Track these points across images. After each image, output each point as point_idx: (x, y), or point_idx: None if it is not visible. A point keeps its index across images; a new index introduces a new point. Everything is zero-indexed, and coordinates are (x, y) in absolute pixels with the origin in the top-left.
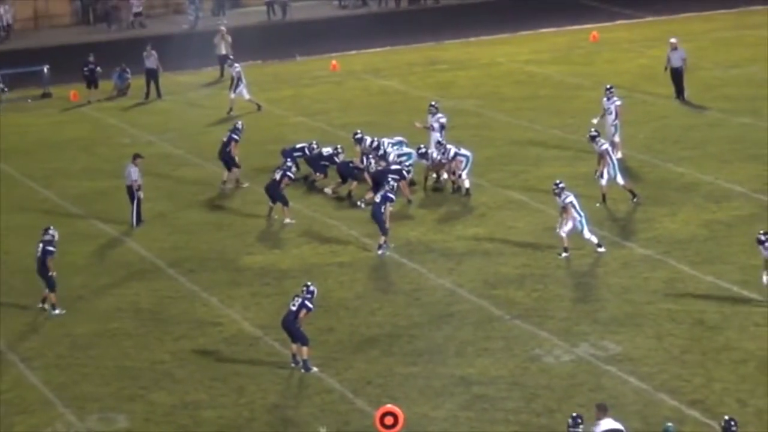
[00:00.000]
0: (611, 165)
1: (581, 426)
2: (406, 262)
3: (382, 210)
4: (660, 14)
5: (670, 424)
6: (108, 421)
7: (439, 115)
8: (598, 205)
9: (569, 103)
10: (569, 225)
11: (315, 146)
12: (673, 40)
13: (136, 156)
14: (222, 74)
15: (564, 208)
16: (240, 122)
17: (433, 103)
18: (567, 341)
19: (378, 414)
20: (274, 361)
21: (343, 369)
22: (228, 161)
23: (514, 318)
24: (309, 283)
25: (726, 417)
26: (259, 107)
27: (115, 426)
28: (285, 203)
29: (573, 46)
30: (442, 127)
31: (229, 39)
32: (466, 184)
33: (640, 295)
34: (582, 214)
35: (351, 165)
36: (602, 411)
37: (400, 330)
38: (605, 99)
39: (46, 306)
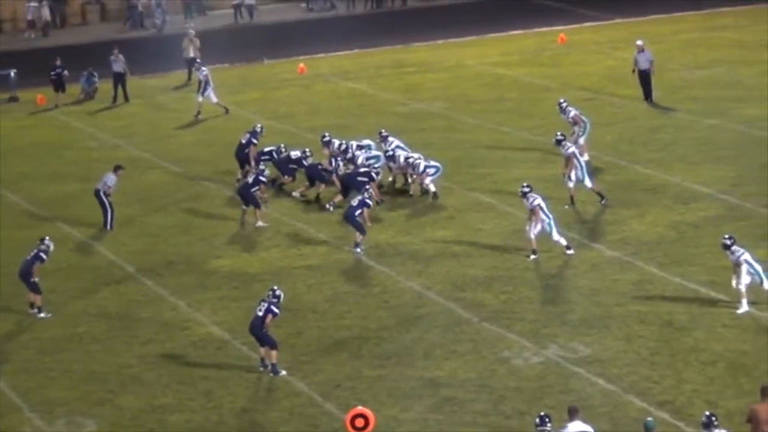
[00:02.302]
0: (579, 168)
1: (549, 425)
2: (375, 264)
3: (356, 214)
4: (627, 16)
5: (650, 419)
6: (76, 425)
7: (391, 139)
8: (566, 207)
9: (537, 106)
10: (538, 227)
11: (283, 149)
12: (639, 42)
13: (117, 167)
14: (190, 77)
15: (532, 211)
16: (260, 126)
17: (382, 131)
18: (536, 343)
19: (349, 416)
20: (242, 364)
21: (312, 372)
22: (245, 161)
23: (482, 320)
24: (275, 287)
25: (707, 412)
26: (226, 110)
27: (82, 430)
28: (257, 206)
29: (541, 48)
30: (402, 147)
31: (198, 42)
32: (432, 188)
33: (609, 296)
34: (550, 216)
35: (319, 168)
36: (572, 413)
37: (368, 333)
38: (561, 114)
39: (34, 310)
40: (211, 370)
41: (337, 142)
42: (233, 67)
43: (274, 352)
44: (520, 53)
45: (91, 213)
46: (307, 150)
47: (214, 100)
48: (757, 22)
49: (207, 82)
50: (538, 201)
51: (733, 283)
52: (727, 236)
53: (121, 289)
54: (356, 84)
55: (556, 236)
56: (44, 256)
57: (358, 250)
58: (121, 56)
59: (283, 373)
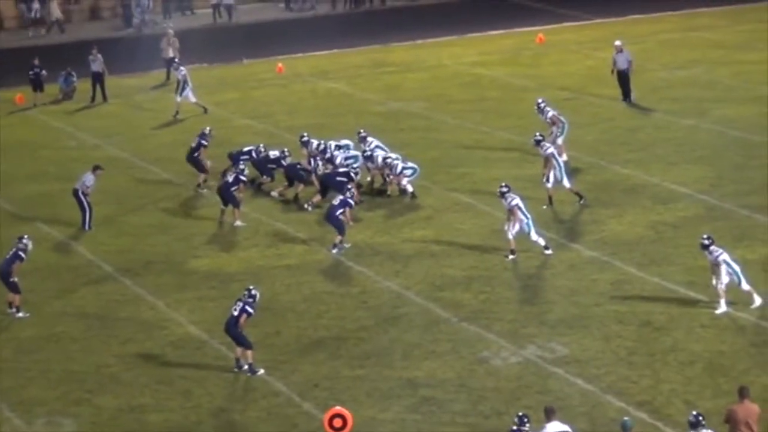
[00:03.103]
0: (557, 168)
1: (527, 425)
2: (353, 265)
3: (338, 213)
4: (606, 16)
5: (627, 419)
6: (54, 425)
7: (370, 140)
8: (544, 207)
9: (516, 106)
10: (516, 227)
11: (262, 149)
12: (618, 42)
13: (96, 167)
14: (168, 77)
15: (510, 211)
16: (208, 128)
17: (360, 132)
18: (514, 343)
19: (327, 416)
20: (220, 364)
21: (290, 372)
22: (198, 166)
23: (461, 320)
24: (251, 287)
25: (694, 412)
26: (205, 110)
27: (61, 430)
28: (236, 205)
29: (520, 48)
30: (381, 147)
31: (176, 42)
32: (409, 188)
33: (587, 297)
34: (529, 216)
35: (299, 167)
36: (550, 413)
37: (347, 333)
38: (540, 114)
39: (12, 310)
40: (189, 370)
41: (315, 142)
42: (212, 66)
43: (249, 352)
44: (499, 53)
45: (69, 213)
46: (286, 150)
47: (192, 99)
48: (735, 23)
49: (185, 82)
50: (516, 201)
51: (713, 283)
52: (705, 236)
53: (100, 289)
54: (335, 84)
55: (534, 236)
56: (23, 255)
57: (335, 251)
58: (99, 56)
59: (261, 372)
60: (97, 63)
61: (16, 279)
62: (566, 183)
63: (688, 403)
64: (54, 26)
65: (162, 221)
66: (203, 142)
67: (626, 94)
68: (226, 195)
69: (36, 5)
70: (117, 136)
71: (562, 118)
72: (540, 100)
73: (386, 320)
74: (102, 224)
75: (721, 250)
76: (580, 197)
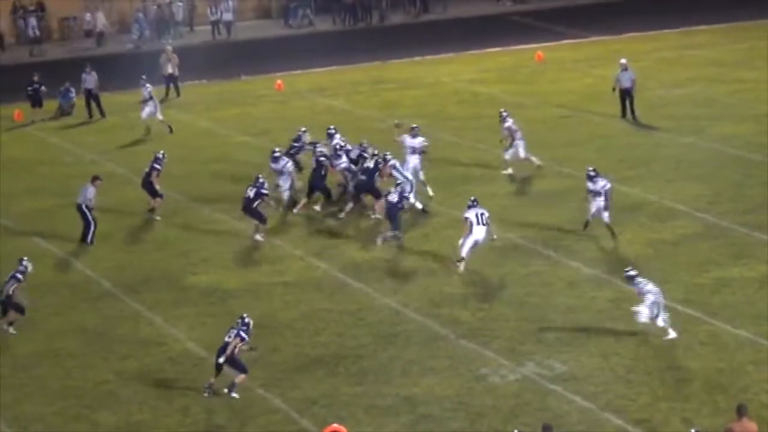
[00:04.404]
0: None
1: None
2: (352, 281)
3: (400, 207)
4: (604, 34)
5: None
6: None
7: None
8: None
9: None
10: (469, 240)
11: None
12: (623, 60)
13: (95, 178)
14: (167, 94)
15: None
16: (162, 152)
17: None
18: (512, 360)
19: None
20: (219, 381)
21: (289, 389)
22: (150, 191)
23: (459, 337)
24: (244, 315)
25: (692, 430)
26: (170, 129)
27: None
28: (261, 221)
29: (518, 66)
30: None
31: (176, 59)
32: (418, 205)
33: (586, 314)
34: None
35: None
36: (547, 431)
37: (345, 350)
38: (501, 122)
39: (8, 327)
40: (187, 387)
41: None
42: (211, 83)
43: (242, 376)
44: (497, 70)
45: (67, 228)
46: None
47: (150, 116)
48: (732, 41)
49: (150, 99)
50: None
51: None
52: (629, 268)
53: (98, 305)
54: (334, 101)
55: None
56: (20, 277)
57: (384, 239)
58: (93, 73)
59: (235, 396)
60: (90, 80)
61: (17, 299)
62: (606, 218)
63: (686, 420)
64: (101, 37)
65: (160, 237)
66: (156, 166)
67: (625, 111)
68: (249, 211)
69: (33, 22)
70: (115, 152)
71: (515, 128)
72: (503, 110)
73: (384, 337)
74: (100, 240)
75: (646, 281)
76: (614, 234)
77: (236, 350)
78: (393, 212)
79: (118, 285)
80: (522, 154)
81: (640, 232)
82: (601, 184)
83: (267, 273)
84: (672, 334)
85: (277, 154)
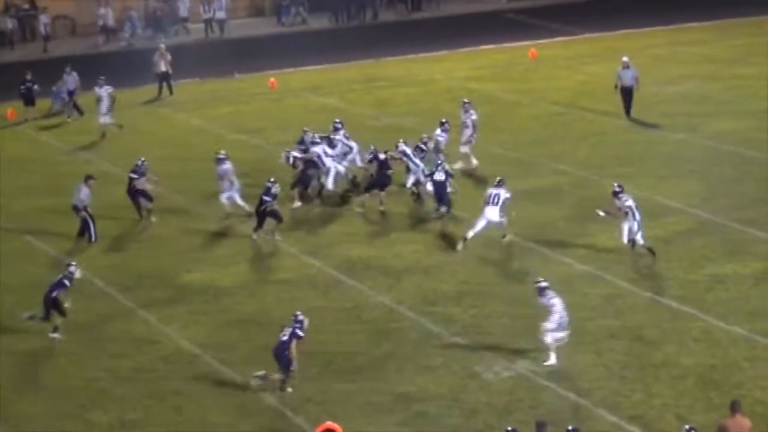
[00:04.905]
0: (633, 221)
1: None
2: (346, 279)
3: (448, 186)
4: (597, 31)
5: None
6: None
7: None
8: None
9: (508, 120)
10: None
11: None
12: (625, 58)
13: (88, 177)
14: (160, 92)
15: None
16: (142, 159)
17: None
18: (506, 358)
19: (318, 431)
20: (212, 379)
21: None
22: (136, 198)
23: (453, 335)
24: (298, 312)
25: (686, 426)
26: (120, 126)
27: None
28: (278, 219)
29: (512, 63)
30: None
31: (168, 57)
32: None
33: (579, 311)
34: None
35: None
36: (541, 427)
37: (339, 347)
38: (462, 112)
39: (50, 333)
40: (181, 385)
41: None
42: (204, 81)
43: (277, 377)
44: (491, 68)
45: (61, 227)
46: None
47: (104, 121)
48: (725, 37)
49: (104, 99)
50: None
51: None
52: (541, 279)
53: (91, 304)
54: (327, 99)
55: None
56: (67, 283)
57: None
58: (74, 73)
59: (290, 389)
60: (71, 80)
61: (61, 303)
62: (640, 239)
63: (680, 417)
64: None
65: (154, 235)
66: (132, 176)
67: (628, 109)
68: (263, 213)
69: (45, 20)
70: (108, 150)
71: (468, 123)
72: (466, 100)
73: (379, 335)
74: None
75: (553, 293)
76: (653, 253)
77: (293, 349)
78: (441, 191)
79: (112, 283)
80: (465, 149)
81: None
82: (626, 200)
83: (261, 271)
84: (552, 359)
85: (222, 157)
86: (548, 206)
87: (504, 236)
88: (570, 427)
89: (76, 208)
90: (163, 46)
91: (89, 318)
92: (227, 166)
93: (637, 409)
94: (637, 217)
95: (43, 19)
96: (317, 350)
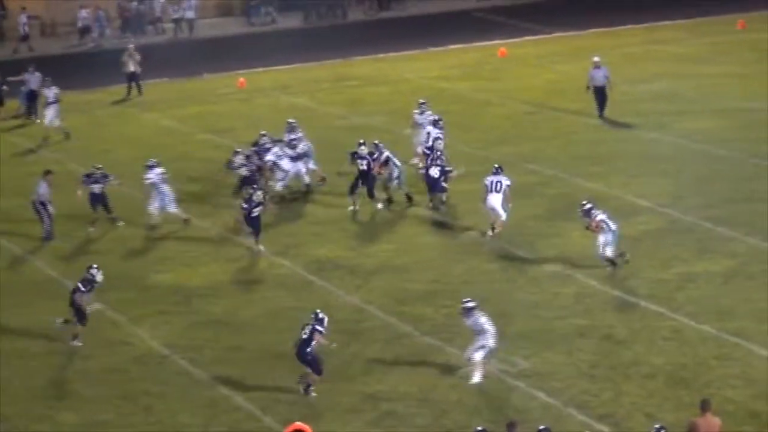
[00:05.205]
0: (608, 234)
1: None
2: (315, 279)
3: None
4: (568, 30)
5: None
6: None
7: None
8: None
9: (478, 119)
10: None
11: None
12: (596, 58)
13: (47, 172)
14: (129, 92)
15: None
16: (98, 166)
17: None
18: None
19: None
20: (183, 380)
21: (252, 387)
22: (103, 206)
23: (423, 334)
24: (318, 311)
25: (656, 425)
26: (67, 135)
27: None
28: (257, 232)
29: (482, 62)
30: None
31: (137, 57)
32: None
33: (549, 310)
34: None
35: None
36: (512, 427)
37: None
38: (417, 113)
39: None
40: (151, 386)
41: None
42: (173, 81)
43: (316, 377)
44: (461, 67)
45: (28, 228)
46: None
47: (56, 123)
48: (697, 36)
49: (54, 102)
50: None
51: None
52: (468, 299)
53: (60, 305)
54: (297, 98)
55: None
56: (88, 286)
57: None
58: (37, 73)
59: (314, 395)
60: (34, 80)
61: (84, 309)
62: (609, 252)
63: (650, 415)
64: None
65: (122, 236)
66: (89, 181)
67: (600, 107)
68: (255, 220)
69: (23, 19)
70: (77, 150)
71: (417, 121)
72: (422, 101)
73: (348, 335)
74: (62, 239)
75: (481, 314)
76: (613, 263)
77: (315, 346)
78: (435, 185)
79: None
80: (419, 149)
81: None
82: (597, 215)
83: (230, 271)
84: (477, 378)
85: (151, 164)
86: (518, 205)
87: (493, 229)
88: (541, 427)
89: (34, 204)
90: (131, 46)
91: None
92: (157, 172)
93: (607, 408)
94: (613, 227)
95: (22, 19)
96: (286, 350)
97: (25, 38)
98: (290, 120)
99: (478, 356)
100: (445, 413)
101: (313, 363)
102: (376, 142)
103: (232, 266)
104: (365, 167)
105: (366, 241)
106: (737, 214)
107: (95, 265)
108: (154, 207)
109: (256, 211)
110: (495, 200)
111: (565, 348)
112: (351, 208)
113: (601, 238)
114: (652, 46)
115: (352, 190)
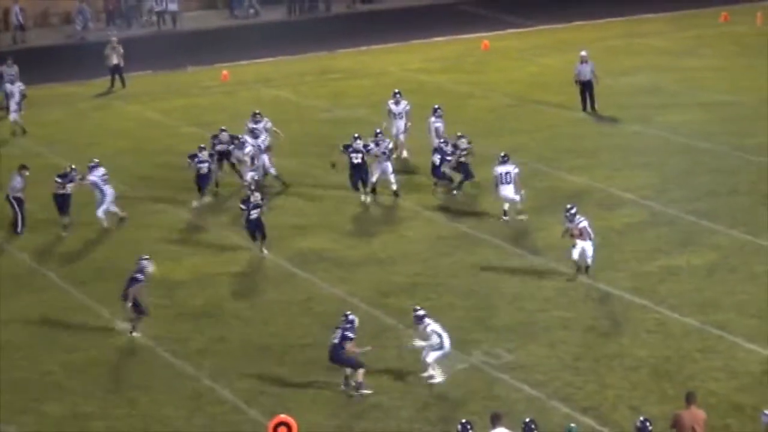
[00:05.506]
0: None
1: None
2: (299, 272)
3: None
4: (550, 23)
5: (573, 425)
6: None
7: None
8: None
9: (460, 112)
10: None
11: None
12: (583, 53)
13: (22, 167)
14: (113, 85)
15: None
16: (70, 166)
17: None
18: (460, 349)
19: (272, 424)
20: (167, 372)
21: (236, 379)
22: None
23: (407, 327)
24: (348, 312)
25: (641, 418)
26: (24, 131)
27: None
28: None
29: (464, 55)
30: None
31: (120, 50)
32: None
33: (532, 302)
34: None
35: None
36: (496, 420)
37: (293, 339)
38: (392, 103)
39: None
40: (135, 378)
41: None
42: (156, 74)
43: (360, 371)
44: (443, 60)
45: (10, 220)
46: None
47: (15, 118)
48: (679, 29)
49: (15, 96)
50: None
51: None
52: (419, 308)
53: (44, 297)
54: (280, 91)
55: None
56: (141, 277)
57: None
58: (15, 66)
59: (369, 391)
60: (12, 72)
61: (140, 302)
62: (585, 257)
63: (634, 408)
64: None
65: (107, 229)
66: (58, 180)
67: (590, 103)
68: (256, 222)
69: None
70: (60, 144)
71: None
72: (397, 90)
73: (332, 327)
74: (45, 231)
75: (430, 321)
76: (583, 271)
77: (348, 350)
78: (437, 172)
79: (64, 277)
80: (402, 138)
81: (588, 220)
82: (580, 222)
83: (214, 263)
84: (438, 377)
85: (94, 164)
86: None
87: (505, 213)
88: (525, 419)
89: (7, 198)
90: (114, 38)
91: (43, 311)
92: (100, 173)
93: (591, 400)
94: (592, 235)
95: (15, 8)
96: (270, 342)
97: (20, 28)
98: (256, 111)
99: (431, 358)
100: (428, 406)
101: (351, 361)
102: (378, 130)
103: (215, 258)
104: (360, 161)
105: (350, 233)
106: (720, 207)
107: (146, 256)
108: (101, 211)
109: (254, 213)
110: (508, 191)
111: (549, 340)
112: (363, 199)
113: (580, 244)
114: (634, 39)
115: (355, 185)
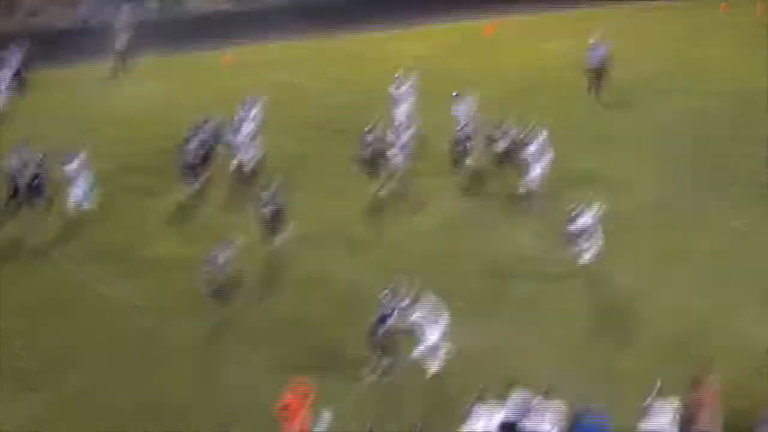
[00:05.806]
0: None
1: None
2: (307, 251)
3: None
4: (557, 8)
5: (583, 405)
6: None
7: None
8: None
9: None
10: None
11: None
12: (593, 40)
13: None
14: (116, 68)
15: None
16: (42, 154)
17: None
18: (472, 325)
19: (284, 401)
20: (172, 352)
21: (249, 356)
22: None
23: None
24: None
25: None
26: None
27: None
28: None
29: (469, 40)
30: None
31: (126, 32)
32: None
33: (543, 283)
34: None
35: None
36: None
37: (305, 321)
38: (395, 88)
39: None
40: (136, 360)
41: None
42: (160, 56)
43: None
44: (448, 45)
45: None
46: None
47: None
48: (686, 16)
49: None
50: None
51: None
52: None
53: (44, 279)
54: (281, 75)
55: None
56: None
57: None
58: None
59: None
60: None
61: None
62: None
63: (643, 390)
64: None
65: (106, 210)
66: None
67: (594, 88)
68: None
69: None
70: (63, 126)
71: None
72: (397, 75)
73: (342, 306)
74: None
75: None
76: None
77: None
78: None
79: (65, 257)
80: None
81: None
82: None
83: (214, 245)
84: (434, 368)
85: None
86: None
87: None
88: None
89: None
90: (120, 21)
91: (42, 294)
92: (78, 162)
93: (600, 381)
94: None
95: None
96: (283, 322)
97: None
98: (250, 97)
99: (417, 354)
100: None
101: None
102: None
103: (216, 241)
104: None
105: (354, 215)
106: (721, 194)
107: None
108: (70, 203)
109: (269, 207)
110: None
111: (559, 320)
112: (378, 188)
113: (582, 244)
114: (639, 26)
115: (370, 174)
